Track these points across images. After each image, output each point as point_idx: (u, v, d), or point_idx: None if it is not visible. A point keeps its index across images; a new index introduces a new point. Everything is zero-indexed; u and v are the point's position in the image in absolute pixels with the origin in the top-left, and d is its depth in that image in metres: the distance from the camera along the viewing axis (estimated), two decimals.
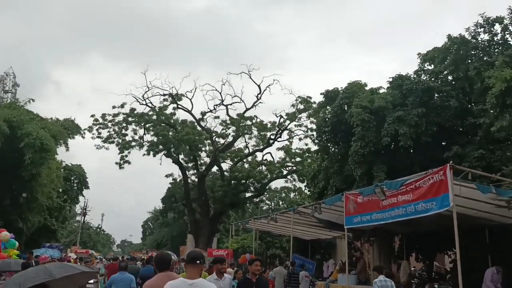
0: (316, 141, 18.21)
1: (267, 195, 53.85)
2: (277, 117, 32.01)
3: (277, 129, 32.42)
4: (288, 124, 32.31)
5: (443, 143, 15.47)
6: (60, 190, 38.58)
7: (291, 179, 33.25)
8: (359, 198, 11.29)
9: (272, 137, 32.90)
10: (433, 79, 16.69)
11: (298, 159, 32.38)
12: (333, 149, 17.43)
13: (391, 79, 16.37)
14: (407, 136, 14.29)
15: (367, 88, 17.49)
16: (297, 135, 32.35)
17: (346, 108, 16.70)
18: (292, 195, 67.21)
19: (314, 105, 30.95)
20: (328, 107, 17.94)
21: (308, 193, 22.59)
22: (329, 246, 24.85)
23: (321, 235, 21.30)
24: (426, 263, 16.79)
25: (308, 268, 16.97)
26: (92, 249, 71.32)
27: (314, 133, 30.44)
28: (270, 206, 56.88)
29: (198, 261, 4.43)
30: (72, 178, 42.53)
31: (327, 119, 17.05)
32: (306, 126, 32.03)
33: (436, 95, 15.60)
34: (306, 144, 32.27)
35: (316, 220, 16.97)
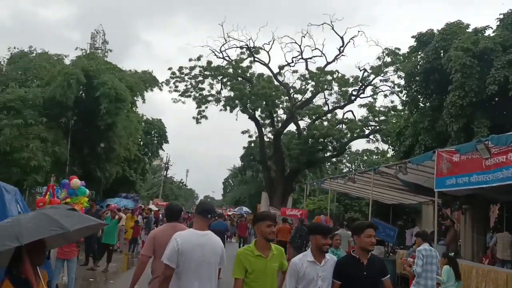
0: (404, 91, 15.84)
1: (347, 157, 51.62)
2: (360, 70, 29.48)
3: (360, 84, 29.91)
4: (373, 79, 29.71)
5: None
6: (141, 143, 39.39)
7: (374, 139, 30.81)
8: (455, 156, 9.25)
9: (354, 93, 30.51)
10: None
11: (382, 117, 29.80)
12: (423, 101, 15.06)
13: (501, 16, 13.47)
14: None
15: (469, 31, 14.69)
16: (382, 91, 29.69)
17: (442, 53, 14.16)
18: (374, 157, 64.37)
19: (402, 58, 28.01)
20: (419, 52, 15.42)
21: (392, 152, 20.37)
22: (413, 212, 22.82)
23: (404, 200, 19.34)
24: None
25: (388, 235, 15.19)
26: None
27: (402, 83, 27.84)
28: (350, 169, 54.59)
29: (209, 215, 4.16)
30: (153, 132, 43.27)
31: (418, 66, 14.63)
32: (392, 82, 29.24)
33: None
34: (392, 102, 29.58)
35: (400, 183, 15.11)
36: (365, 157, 65.39)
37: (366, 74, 29.55)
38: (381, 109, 29.81)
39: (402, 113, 22.61)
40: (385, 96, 29.57)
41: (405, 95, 15.97)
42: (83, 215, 4.59)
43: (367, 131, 30.68)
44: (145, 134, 41.10)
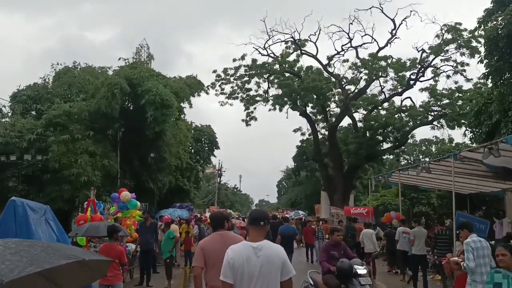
0: (485, 61, 13.61)
1: (405, 149, 48.50)
2: (418, 51, 27.01)
3: (419, 66, 27.44)
4: (433, 60, 27.14)
5: None
6: (192, 150, 38.71)
7: (438, 125, 28.19)
8: None
9: (413, 77, 28.05)
10: None
11: (445, 100, 27.21)
12: (510, 70, 12.83)
13: None
14: None
15: None
16: (443, 71, 27.07)
17: None
18: (433, 147, 60.70)
19: (465, 33, 25.44)
20: (499, 14, 13.19)
21: (470, 135, 17.98)
22: (494, 201, 20.31)
23: (484, 188, 17.06)
24: None
25: (479, 229, 13.08)
26: (230, 208, 73.62)
27: (466, 61, 25.29)
28: (409, 161, 51.53)
29: (262, 223, 3.82)
30: (203, 139, 42.59)
31: (499, 30, 12.45)
32: (454, 61, 26.59)
33: None
34: (456, 82, 26.92)
35: (485, 168, 13.00)
36: (423, 147, 62.01)
37: (424, 55, 27.09)
38: (443, 91, 27.22)
39: (482, 88, 20.14)
40: (448, 77, 26.94)
41: (485, 67, 13.74)
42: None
43: (430, 117, 28.15)
44: (195, 141, 40.42)
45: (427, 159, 45.29)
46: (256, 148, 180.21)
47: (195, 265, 4.72)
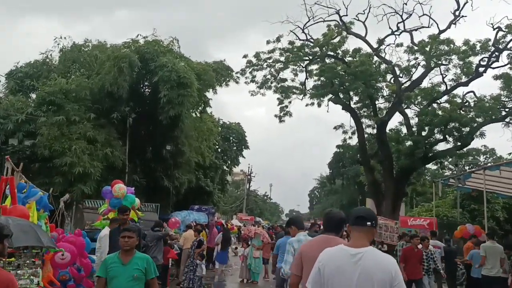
0: None
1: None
2: (494, 29, 22.07)
3: (492, 49, 22.50)
4: (510, 41, 22.17)
5: None
6: (219, 149, 34.82)
7: None
8: None
9: (483, 63, 23.12)
10: None
11: None
12: None
13: None
14: None
15: None
16: None
17: None
18: (482, 157, 54.72)
19: None
20: None
21: None
22: None
23: None
24: None
25: None
26: (259, 216, 69.49)
27: None
28: (454, 171, 45.77)
29: (368, 223, 3.03)
30: (231, 138, 38.70)
31: None
32: None
33: None
34: None
35: None
36: (470, 157, 56.10)
37: (500, 35, 22.17)
38: None
39: None
40: None
41: None
42: None
43: (504, 112, 23.10)
44: (223, 140, 36.53)
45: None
46: (287, 158, 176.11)
47: (292, 271, 4.28)
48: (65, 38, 21.30)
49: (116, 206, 12.52)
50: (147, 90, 19.80)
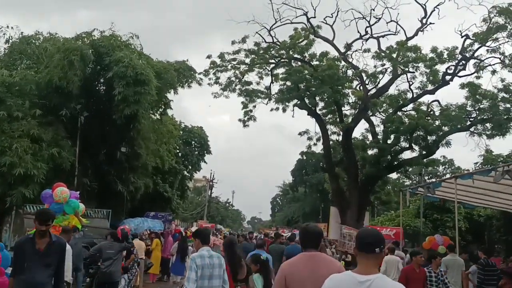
0: None
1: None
2: (462, 36, 21.88)
3: (460, 57, 22.30)
4: (477, 49, 22.06)
5: None
6: (180, 154, 33.41)
7: (478, 132, 22.89)
8: None
9: (450, 71, 22.92)
10: None
11: (485, 102, 22.10)
12: None
13: None
14: None
15: None
16: (489, 65, 21.96)
17: None
18: (441, 168, 55.41)
19: None
20: None
21: None
22: None
23: None
24: None
25: None
26: (220, 224, 68.08)
27: None
28: (414, 181, 46.13)
29: (377, 249, 2.90)
30: (193, 142, 37.34)
31: None
32: (502, 53, 21.59)
33: None
34: (503, 80, 21.84)
35: None
36: (429, 168, 56.80)
37: (468, 43, 22.01)
38: (487, 92, 22.08)
39: None
40: (493, 72, 21.81)
41: None
42: None
43: (468, 122, 22.93)
44: (184, 144, 35.17)
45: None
46: (249, 166, 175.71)
47: None
48: (12, 27, 19.63)
49: (57, 212, 11.19)
50: (101, 87, 18.35)
